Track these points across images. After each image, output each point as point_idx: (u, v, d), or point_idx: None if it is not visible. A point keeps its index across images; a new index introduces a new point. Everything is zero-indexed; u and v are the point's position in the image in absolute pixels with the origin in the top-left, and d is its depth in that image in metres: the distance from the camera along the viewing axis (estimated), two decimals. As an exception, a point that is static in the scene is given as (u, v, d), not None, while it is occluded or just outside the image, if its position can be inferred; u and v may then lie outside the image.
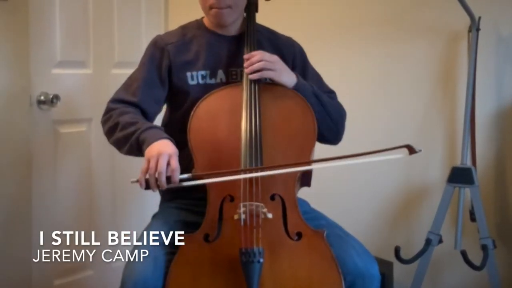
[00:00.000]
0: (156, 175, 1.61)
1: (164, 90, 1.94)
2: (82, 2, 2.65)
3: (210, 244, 1.69)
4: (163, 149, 1.65)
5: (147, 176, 1.63)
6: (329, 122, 1.90)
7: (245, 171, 1.71)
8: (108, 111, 1.88)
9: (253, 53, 1.85)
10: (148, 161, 1.64)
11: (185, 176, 1.65)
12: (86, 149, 2.72)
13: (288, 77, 1.85)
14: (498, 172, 2.53)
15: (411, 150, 1.63)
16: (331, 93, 2.02)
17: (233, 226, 1.68)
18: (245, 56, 1.85)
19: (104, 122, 1.88)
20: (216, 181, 1.68)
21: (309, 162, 1.76)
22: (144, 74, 1.92)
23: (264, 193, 1.70)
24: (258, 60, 1.82)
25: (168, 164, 1.63)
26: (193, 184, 1.67)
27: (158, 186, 1.63)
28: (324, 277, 1.67)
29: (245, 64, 1.84)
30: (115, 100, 1.90)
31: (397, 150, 1.63)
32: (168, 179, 1.62)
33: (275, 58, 1.86)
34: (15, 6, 2.30)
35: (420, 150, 1.64)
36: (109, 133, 1.84)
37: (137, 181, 1.64)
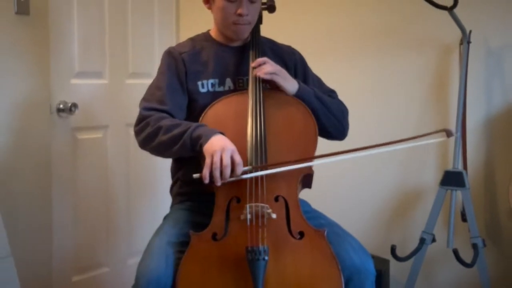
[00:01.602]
0: (222, 169, 1.62)
1: (186, 96, 1.90)
2: (98, 16, 2.66)
3: (218, 242, 1.69)
4: (225, 145, 1.65)
5: (212, 170, 1.62)
6: (333, 120, 1.91)
7: (306, 160, 1.74)
8: (142, 119, 1.81)
9: (261, 59, 1.84)
10: (212, 156, 1.63)
11: (246, 168, 1.67)
12: (103, 154, 2.72)
13: (291, 84, 1.86)
14: (487, 175, 2.53)
15: (449, 133, 1.71)
16: (332, 92, 2.04)
17: (240, 225, 1.68)
18: (253, 64, 1.84)
19: (140, 130, 1.81)
20: (273, 172, 1.69)
21: (350, 151, 1.72)
22: (167, 82, 1.88)
23: (268, 195, 1.71)
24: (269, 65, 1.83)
25: (231, 158, 1.64)
26: (252, 176, 1.67)
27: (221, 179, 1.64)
28: (325, 274, 1.68)
29: (256, 69, 1.82)
30: (147, 108, 1.83)
31: (435, 134, 1.70)
32: (231, 172, 1.63)
33: (279, 67, 1.86)
34: (36, 20, 2.31)
35: (457, 133, 1.68)
36: (149, 139, 1.78)
37: (200, 176, 1.64)
